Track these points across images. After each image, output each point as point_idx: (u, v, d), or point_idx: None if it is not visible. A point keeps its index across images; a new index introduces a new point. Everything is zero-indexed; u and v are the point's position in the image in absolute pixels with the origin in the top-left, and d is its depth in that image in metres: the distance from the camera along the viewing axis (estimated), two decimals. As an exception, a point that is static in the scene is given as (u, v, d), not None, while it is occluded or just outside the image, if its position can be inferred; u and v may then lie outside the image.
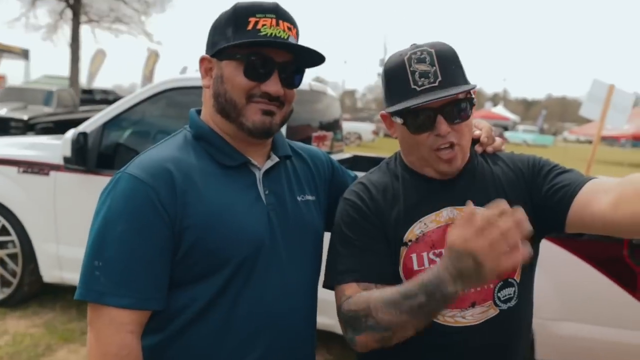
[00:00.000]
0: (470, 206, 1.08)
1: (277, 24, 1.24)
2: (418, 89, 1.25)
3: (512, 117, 52.79)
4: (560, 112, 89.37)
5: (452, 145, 1.30)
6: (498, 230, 1.02)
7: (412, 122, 1.29)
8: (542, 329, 3.03)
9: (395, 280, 1.33)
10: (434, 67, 1.25)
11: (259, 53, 1.23)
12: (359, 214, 1.35)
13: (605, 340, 2.98)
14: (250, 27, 1.23)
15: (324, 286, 1.38)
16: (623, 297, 2.92)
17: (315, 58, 1.32)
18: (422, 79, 1.25)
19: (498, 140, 1.51)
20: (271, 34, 1.23)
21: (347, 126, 23.21)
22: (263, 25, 1.23)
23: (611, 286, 2.94)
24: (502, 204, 1.05)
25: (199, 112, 1.38)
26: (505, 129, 47.51)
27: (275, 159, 1.37)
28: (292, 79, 1.31)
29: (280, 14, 1.26)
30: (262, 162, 1.35)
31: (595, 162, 6.83)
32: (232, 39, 1.23)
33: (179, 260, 1.20)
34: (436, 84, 1.25)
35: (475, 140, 1.47)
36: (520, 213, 1.04)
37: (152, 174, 1.18)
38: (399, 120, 1.32)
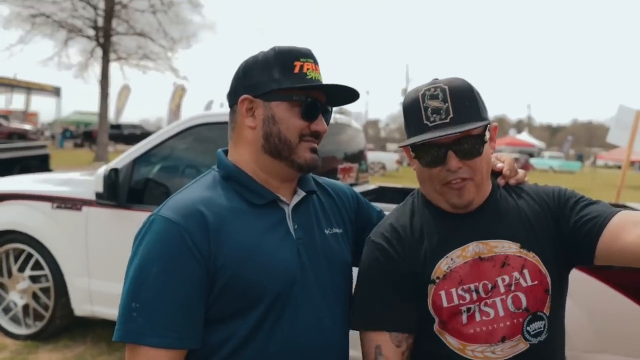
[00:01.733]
0: None
1: (315, 68, 1.33)
2: (430, 124, 1.28)
3: (537, 144, 52.26)
4: (587, 137, 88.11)
5: (463, 180, 1.31)
6: None
7: (423, 157, 1.32)
8: (576, 361, 2.96)
9: (425, 317, 1.34)
10: (446, 104, 1.28)
11: (311, 96, 1.31)
12: (385, 258, 1.37)
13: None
14: (297, 70, 1.30)
15: (351, 328, 1.40)
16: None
17: (350, 96, 1.40)
18: (434, 115, 1.28)
19: (521, 172, 1.52)
20: (315, 77, 1.32)
21: (371, 156, 23.25)
22: (308, 69, 1.32)
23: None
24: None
25: (225, 152, 1.43)
26: (531, 155, 47.00)
27: (302, 193, 1.41)
28: (329, 118, 1.41)
29: (315, 58, 1.35)
30: (289, 198, 1.39)
31: (625, 187, 6.71)
32: (281, 81, 1.30)
33: (214, 299, 1.23)
34: (447, 120, 1.27)
35: (498, 173, 1.48)
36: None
37: (184, 216, 1.22)
38: (412, 154, 1.35)
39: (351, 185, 4.48)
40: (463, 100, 1.30)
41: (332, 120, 4.11)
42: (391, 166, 25.60)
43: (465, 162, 1.30)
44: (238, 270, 1.22)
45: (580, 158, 44.73)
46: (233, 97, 1.37)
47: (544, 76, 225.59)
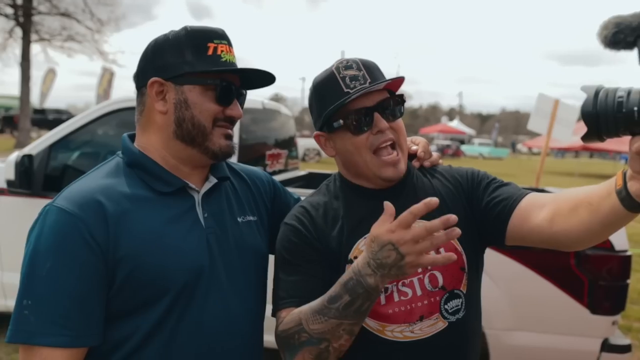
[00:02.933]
0: (388, 204, 1.12)
1: (229, 50, 1.28)
2: (351, 91, 1.29)
3: (468, 131, 54.11)
4: (514, 126, 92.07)
5: (393, 145, 1.33)
6: (424, 226, 1.05)
7: (351, 122, 1.32)
8: (495, 339, 3.09)
9: None
10: (362, 72, 1.32)
11: (226, 79, 1.26)
12: (300, 239, 1.35)
13: (557, 349, 3.06)
14: (210, 52, 1.24)
15: (272, 315, 1.37)
16: (572, 305, 3.00)
17: (265, 79, 1.36)
18: (353, 82, 1.31)
19: (435, 154, 1.54)
20: (229, 60, 1.27)
21: (307, 142, 23.28)
22: (222, 51, 1.26)
23: (560, 295, 3.02)
24: (432, 200, 1.08)
25: (131, 136, 1.35)
26: (462, 142, 48.64)
27: (213, 180, 1.36)
28: (243, 102, 1.35)
29: (229, 40, 1.30)
30: (200, 185, 1.33)
31: (546, 173, 7.07)
32: (194, 64, 1.23)
33: (115, 293, 1.16)
34: (366, 84, 1.31)
35: (412, 156, 1.50)
36: (450, 216, 1.07)
37: (80, 205, 1.15)
38: (338, 124, 1.33)
39: (280, 171, 4.45)
40: (374, 69, 1.36)
41: (260, 106, 4.09)
42: (327, 153, 25.73)
43: (391, 124, 1.33)
44: (140, 262, 1.16)
45: (513, 146, 46.73)
46: (141, 78, 1.29)
47: (476, 65, 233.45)
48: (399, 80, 1.35)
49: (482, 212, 1.36)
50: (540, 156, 7.28)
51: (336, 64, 1.35)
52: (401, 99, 1.37)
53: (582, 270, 2.99)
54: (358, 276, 1.13)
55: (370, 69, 1.34)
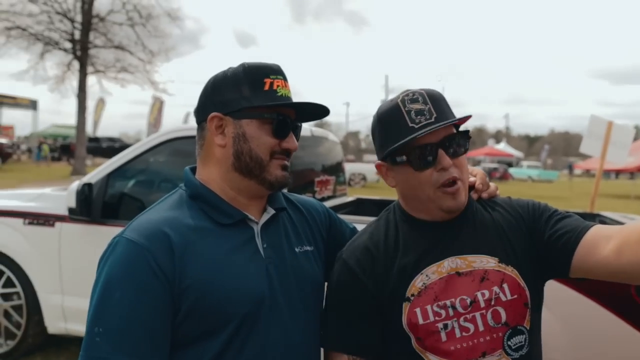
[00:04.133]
0: None
1: (285, 85, 1.33)
2: (416, 126, 1.28)
3: (515, 154, 52.96)
4: (564, 147, 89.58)
5: (455, 181, 1.31)
6: None
7: (414, 159, 1.31)
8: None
9: (399, 335, 1.33)
10: (428, 105, 1.30)
11: (282, 113, 1.31)
12: (355, 281, 1.36)
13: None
14: (267, 87, 1.29)
15: (321, 345, 1.40)
16: (632, 335, 2.87)
17: (320, 112, 1.40)
18: (419, 117, 1.29)
19: (492, 185, 1.52)
20: (284, 94, 1.32)
21: (352, 167, 23.30)
22: (278, 86, 1.31)
23: (620, 324, 2.89)
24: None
25: (193, 169, 1.40)
26: (510, 165, 47.58)
27: (271, 211, 1.39)
28: (298, 134, 1.39)
29: (284, 75, 1.34)
30: (258, 217, 1.37)
31: (601, 195, 6.84)
32: (252, 99, 1.28)
33: (180, 321, 1.20)
34: (432, 119, 1.29)
35: (470, 188, 1.48)
36: None
37: (148, 237, 1.20)
38: (401, 159, 1.33)
39: (329, 197, 4.48)
40: (441, 102, 1.33)
41: (309, 133, 4.16)
42: (372, 177, 25.68)
43: (454, 161, 1.31)
44: (204, 292, 1.20)
45: (570, 168, 45.14)
46: (202, 114, 1.35)
47: (522, 86, 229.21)
48: (465, 118, 1.33)
49: (545, 244, 1.33)
50: (595, 179, 7.05)
51: (402, 96, 1.33)
52: (466, 135, 1.35)
53: (644, 299, 2.86)
54: None
55: (437, 102, 1.31)
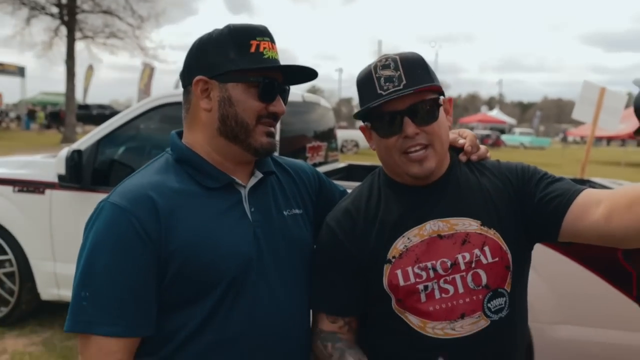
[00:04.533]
0: None
1: (272, 47, 1.29)
2: (384, 93, 1.28)
3: (508, 120, 52.98)
4: (557, 114, 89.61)
5: (422, 147, 1.31)
6: None
7: (379, 126, 1.32)
8: (539, 333, 3.03)
9: (381, 296, 1.35)
10: (398, 72, 1.29)
11: (269, 76, 1.28)
12: (336, 243, 1.39)
13: (603, 342, 2.99)
14: (253, 49, 1.26)
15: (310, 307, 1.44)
16: (619, 298, 2.93)
17: (307, 75, 1.38)
18: (387, 84, 1.28)
19: (482, 148, 1.51)
20: (271, 56, 1.28)
21: (344, 134, 23.24)
22: (264, 48, 1.27)
23: (607, 288, 2.94)
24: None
25: (179, 133, 1.39)
26: (502, 132, 47.64)
27: (259, 175, 1.39)
28: (286, 97, 1.37)
29: (271, 37, 1.31)
30: (246, 180, 1.36)
31: (592, 162, 6.88)
32: (238, 62, 1.25)
33: (168, 285, 1.20)
34: (400, 87, 1.28)
35: (459, 150, 1.48)
36: None
37: (133, 201, 1.19)
38: (369, 125, 1.35)
39: (320, 163, 4.48)
40: (414, 68, 1.31)
41: (300, 99, 4.12)
42: (364, 144, 25.63)
43: (422, 128, 1.30)
44: (191, 255, 1.20)
45: (564, 136, 45.00)
46: (187, 77, 1.32)
47: (515, 52, 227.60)
48: (431, 87, 1.31)
49: (534, 208, 1.33)
50: (586, 145, 7.07)
51: (375, 62, 1.33)
52: (436, 103, 1.33)
53: (630, 263, 2.91)
54: None
55: (410, 68, 1.30)
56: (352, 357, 1.32)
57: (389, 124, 1.31)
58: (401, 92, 1.26)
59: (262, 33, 1.29)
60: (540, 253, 3.03)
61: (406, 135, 1.29)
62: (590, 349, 3.02)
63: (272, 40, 1.31)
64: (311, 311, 1.42)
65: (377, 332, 1.40)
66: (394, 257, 1.33)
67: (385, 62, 1.31)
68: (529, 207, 1.35)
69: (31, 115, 36.04)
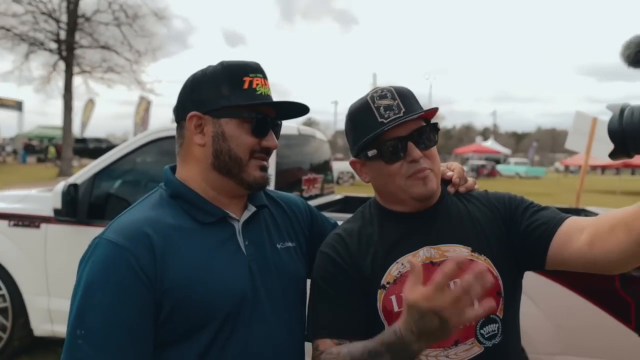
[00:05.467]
0: (415, 261, 1.08)
1: (265, 83, 1.32)
2: (385, 120, 1.32)
3: (503, 150, 53.28)
4: (551, 144, 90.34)
5: (425, 170, 1.34)
6: (460, 287, 1.01)
7: (385, 152, 1.34)
8: (539, 364, 3.00)
9: (373, 322, 1.34)
10: (396, 101, 1.34)
11: (261, 112, 1.31)
12: (334, 267, 1.37)
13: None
14: (246, 86, 1.29)
15: (306, 340, 1.40)
16: (618, 328, 2.91)
17: (299, 110, 1.41)
18: (388, 112, 1.33)
19: (470, 180, 1.55)
20: (264, 92, 1.31)
21: (340, 166, 23.31)
22: (257, 84, 1.30)
23: (606, 318, 2.93)
24: (458, 258, 1.05)
25: (172, 168, 1.40)
26: (497, 162, 47.89)
27: (252, 209, 1.40)
28: (278, 132, 1.39)
29: (264, 73, 1.34)
30: (239, 214, 1.37)
31: (587, 191, 6.92)
32: (231, 98, 1.28)
33: (163, 321, 1.19)
34: (400, 114, 1.32)
35: (448, 182, 1.51)
36: (480, 265, 1.06)
37: (129, 238, 1.19)
38: (372, 153, 1.36)
39: (316, 195, 4.49)
40: (409, 98, 1.37)
41: (296, 132, 4.16)
42: (360, 175, 25.69)
43: (424, 152, 1.34)
44: (186, 291, 1.19)
45: (566, 168, 44.83)
46: (181, 112, 1.34)
47: (509, 83, 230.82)
48: (433, 111, 1.37)
49: (521, 236, 1.36)
50: (580, 174, 7.12)
51: (371, 93, 1.37)
52: (435, 128, 1.39)
53: (628, 293, 2.90)
54: (402, 342, 1.11)
55: (405, 98, 1.35)
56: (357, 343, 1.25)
57: (393, 150, 1.33)
58: (404, 117, 1.30)
59: (254, 70, 1.32)
60: (538, 283, 3.04)
61: (412, 159, 1.32)
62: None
63: (264, 77, 1.33)
64: (312, 342, 1.37)
65: None
66: (388, 282, 1.33)
67: (382, 93, 1.36)
68: (515, 236, 1.37)
69: (28, 149, 36.10)
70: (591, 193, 22.06)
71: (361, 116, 1.36)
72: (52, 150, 33.39)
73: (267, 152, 1.34)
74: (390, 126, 1.30)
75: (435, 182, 1.36)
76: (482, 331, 1.32)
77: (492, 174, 38.58)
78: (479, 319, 1.10)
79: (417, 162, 1.33)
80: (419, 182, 1.34)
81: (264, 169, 1.34)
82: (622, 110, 1.03)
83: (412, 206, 1.39)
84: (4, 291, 4.00)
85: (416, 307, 1.04)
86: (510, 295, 1.38)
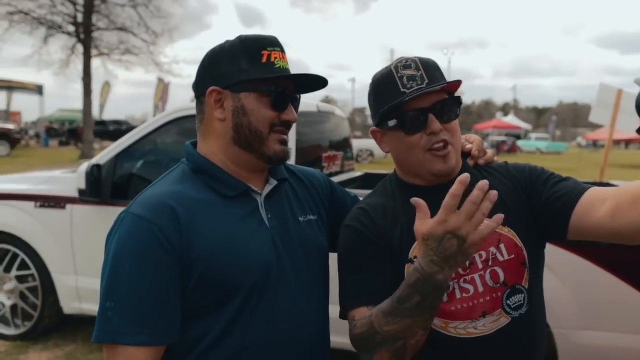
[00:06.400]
0: (418, 199, 1.16)
1: (283, 57, 1.32)
2: (408, 91, 1.30)
3: (523, 126, 52.53)
4: (573, 118, 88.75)
5: (445, 144, 1.33)
6: (470, 201, 1.07)
7: (405, 123, 1.33)
8: (564, 339, 3.00)
9: None
10: (420, 72, 1.32)
11: (280, 85, 1.30)
12: (362, 238, 1.37)
13: (628, 348, 2.94)
14: (264, 60, 1.29)
15: (341, 317, 1.40)
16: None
17: (318, 83, 1.40)
18: (411, 82, 1.31)
19: (489, 152, 1.53)
20: (282, 66, 1.31)
21: (359, 144, 23.25)
22: (275, 58, 1.30)
23: (631, 293, 2.90)
24: (461, 177, 1.10)
25: (194, 144, 1.41)
26: (518, 137, 47.24)
27: (274, 182, 1.41)
28: (297, 106, 1.39)
29: (282, 47, 1.34)
30: (261, 188, 1.38)
31: (611, 166, 6.81)
32: (250, 72, 1.28)
33: (190, 293, 1.22)
34: (424, 85, 1.31)
35: (467, 154, 1.50)
36: (483, 182, 1.10)
37: (155, 211, 1.21)
38: (392, 123, 1.35)
39: (337, 173, 4.49)
40: (434, 70, 1.35)
41: (315, 109, 4.14)
42: (379, 153, 25.60)
43: (445, 126, 1.33)
44: (212, 263, 1.21)
45: (595, 144, 43.62)
46: (200, 88, 1.34)
47: (529, 57, 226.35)
48: (457, 83, 1.35)
49: (542, 207, 1.35)
50: (605, 149, 7.00)
51: (395, 63, 1.36)
52: (458, 101, 1.37)
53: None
54: (426, 276, 1.13)
55: (430, 69, 1.34)
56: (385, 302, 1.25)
57: (413, 121, 1.32)
58: (426, 89, 1.29)
59: (272, 43, 1.31)
60: (563, 258, 3.01)
61: (432, 131, 1.31)
62: (615, 355, 2.98)
63: (282, 51, 1.33)
64: (347, 316, 1.36)
65: None
66: (415, 256, 1.34)
67: (406, 63, 1.34)
68: (537, 207, 1.36)
69: (50, 132, 36.58)
70: (615, 167, 21.70)
71: (384, 85, 1.36)
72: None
73: (287, 125, 1.34)
74: (411, 97, 1.28)
75: (455, 158, 1.36)
76: (508, 302, 1.32)
77: (513, 149, 38.10)
78: (492, 231, 1.12)
79: (436, 135, 1.32)
80: (439, 159, 1.33)
81: (284, 142, 1.34)
82: None
83: (431, 181, 1.39)
84: (34, 271, 4.10)
85: (432, 235, 1.10)
86: (535, 266, 1.38)
